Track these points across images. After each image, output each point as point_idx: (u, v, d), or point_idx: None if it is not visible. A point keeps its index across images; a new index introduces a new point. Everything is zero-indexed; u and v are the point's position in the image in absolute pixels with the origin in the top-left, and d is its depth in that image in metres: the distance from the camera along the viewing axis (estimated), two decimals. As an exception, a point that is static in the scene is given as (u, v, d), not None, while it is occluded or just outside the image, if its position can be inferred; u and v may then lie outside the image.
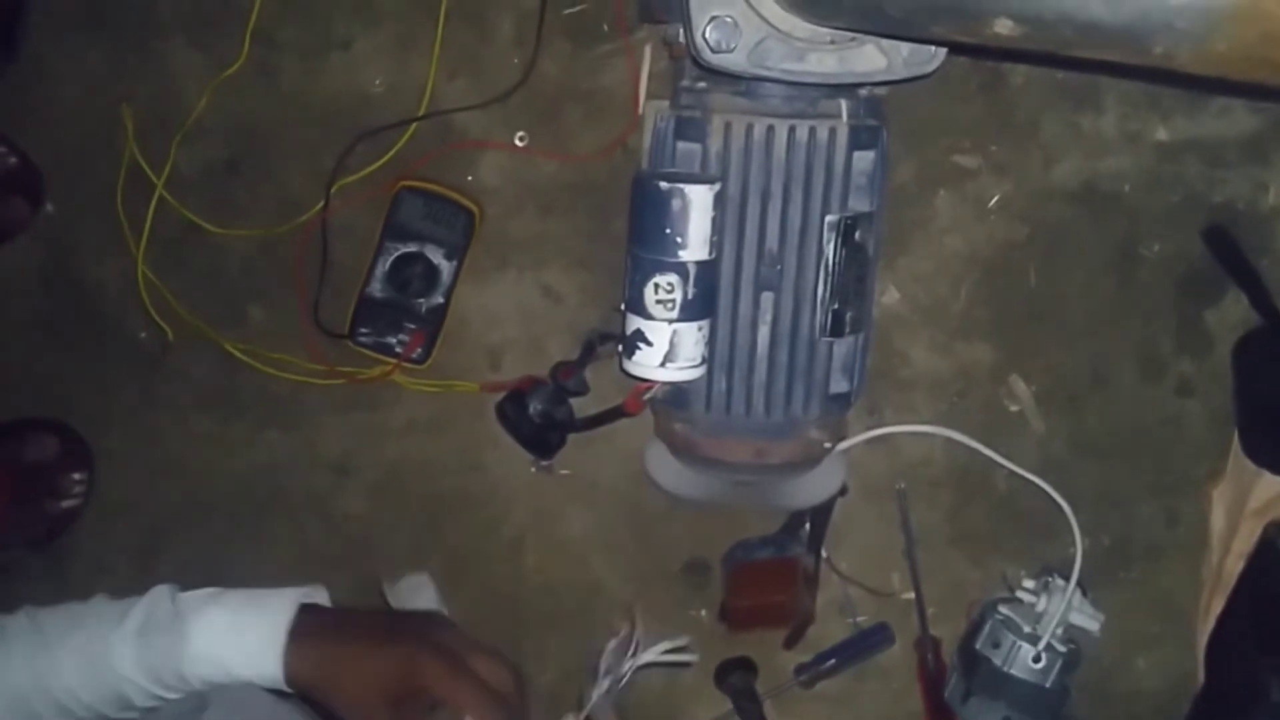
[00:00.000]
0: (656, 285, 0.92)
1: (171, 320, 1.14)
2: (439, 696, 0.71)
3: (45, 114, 1.13)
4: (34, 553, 1.19)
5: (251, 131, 1.12)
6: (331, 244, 1.12)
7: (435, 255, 1.10)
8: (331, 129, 1.10)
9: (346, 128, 1.10)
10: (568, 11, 1.08)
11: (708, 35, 0.85)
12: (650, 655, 0.92)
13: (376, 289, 1.11)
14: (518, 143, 1.11)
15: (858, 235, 0.96)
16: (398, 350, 1.11)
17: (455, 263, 1.11)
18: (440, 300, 1.11)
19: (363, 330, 1.12)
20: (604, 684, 0.88)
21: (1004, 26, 0.62)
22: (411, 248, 1.10)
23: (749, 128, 0.93)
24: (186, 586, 0.78)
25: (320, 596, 0.77)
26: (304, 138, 1.12)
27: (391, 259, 1.10)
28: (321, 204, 1.11)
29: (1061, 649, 1.07)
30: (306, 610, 0.75)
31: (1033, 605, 1.09)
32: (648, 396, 0.99)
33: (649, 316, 0.93)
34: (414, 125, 1.09)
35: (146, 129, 1.11)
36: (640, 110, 1.06)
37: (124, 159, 1.11)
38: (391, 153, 1.10)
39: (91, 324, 1.17)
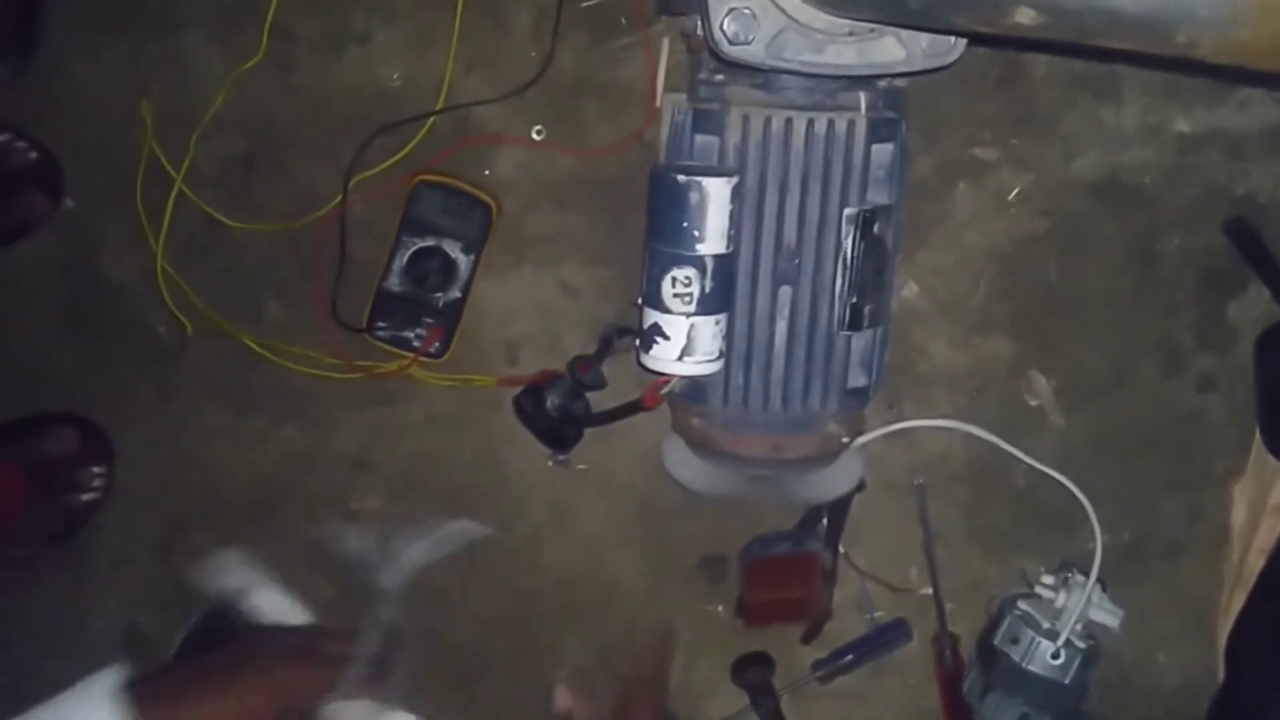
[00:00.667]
0: (674, 279, 0.92)
1: (190, 314, 1.15)
2: (305, 706, 0.73)
3: (65, 109, 1.13)
4: (53, 546, 1.19)
5: (269, 126, 1.13)
6: (349, 238, 1.12)
7: (453, 249, 1.10)
8: (349, 123, 1.10)
9: (364, 122, 1.10)
10: (585, 5, 1.08)
11: (725, 27, 0.85)
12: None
13: (394, 283, 1.11)
14: (535, 137, 1.11)
15: (876, 228, 0.96)
16: (415, 344, 1.12)
17: (472, 257, 1.11)
18: (457, 294, 1.11)
19: (380, 324, 1.12)
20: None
21: (1025, 16, 0.61)
22: (429, 242, 1.10)
23: (767, 120, 0.93)
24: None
25: (118, 674, 0.70)
26: (322, 132, 1.12)
27: (409, 253, 1.10)
28: (339, 198, 1.11)
29: (1081, 645, 1.06)
30: (128, 686, 0.68)
31: (1052, 601, 1.08)
32: (665, 391, 0.99)
33: (666, 310, 0.93)
34: (431, 119, 1.09)
35: (165, 124, 1.12)
36: (658, 103, 1.06)
37: (143, 154, 1.12)
38: (409, 147, 1.10)
39: (110, 318, 1.17)
